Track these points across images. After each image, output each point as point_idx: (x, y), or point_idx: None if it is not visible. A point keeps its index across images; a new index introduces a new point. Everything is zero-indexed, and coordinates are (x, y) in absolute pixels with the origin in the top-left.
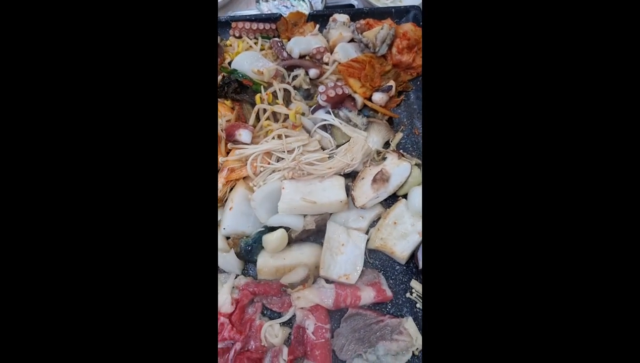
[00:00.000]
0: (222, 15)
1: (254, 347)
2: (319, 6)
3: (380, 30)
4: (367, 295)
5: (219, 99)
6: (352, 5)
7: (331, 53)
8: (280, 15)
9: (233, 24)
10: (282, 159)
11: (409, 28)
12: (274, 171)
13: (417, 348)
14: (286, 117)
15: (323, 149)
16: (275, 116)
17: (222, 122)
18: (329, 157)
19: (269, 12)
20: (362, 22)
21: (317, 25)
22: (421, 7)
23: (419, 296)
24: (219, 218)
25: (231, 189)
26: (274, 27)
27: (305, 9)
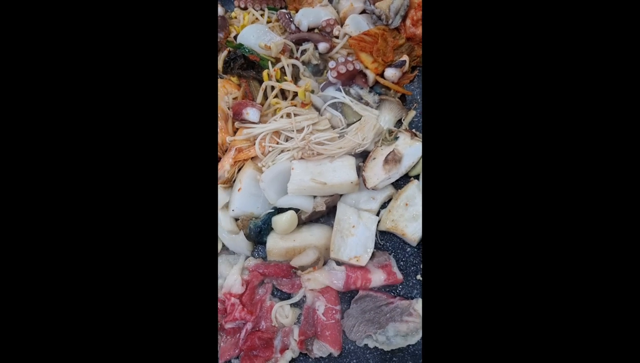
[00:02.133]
0: None
1: (264, 327)
2: None
3: (393, 1)
4: (378, 278)
5: (224, 75)
6: None
7: (342, 25)
8: None
9: None
10: (291, 138)
11: None
12: (282, 151)
13: None
14: (295, 94)
15: (333, 127)
16: (283, 94)
17: (228, 100)
18: (339, 137)
19: None
20: None
21: None
22: None
23: None
24: (227, 200)
25: (239, 170)
26: None
27: None
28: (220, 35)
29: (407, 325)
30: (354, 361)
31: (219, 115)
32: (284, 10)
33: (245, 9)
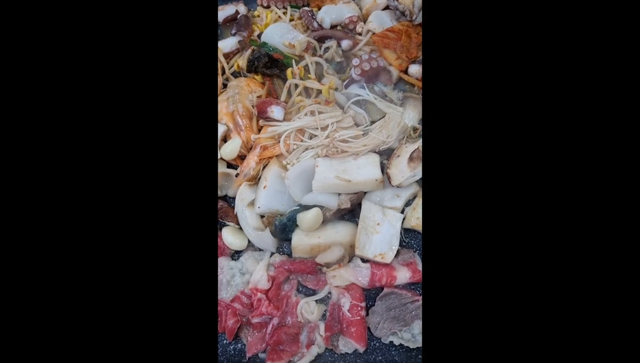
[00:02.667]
0: None
1: (290, 322)
2: None
3: None
4: (403, 276)
5: (249, 74)
6: None
7: (365, 22)
8: None
9: None
10: (316, 136)
11: None
12: (307, 149)
13: None
14: (319, 92)
15: (357, 125)
16: (307, 91)
17: (252, 98)
18: (363, 134)
19: None
20: None
21: None
22: None
23: None
24: (253, 197)
25: (264, 167)
26: None
27: None
28: (244, 34)
29: None
30: (380, 358)
31: (243, 113)
32: (306, 8)
33: (268, 7)
